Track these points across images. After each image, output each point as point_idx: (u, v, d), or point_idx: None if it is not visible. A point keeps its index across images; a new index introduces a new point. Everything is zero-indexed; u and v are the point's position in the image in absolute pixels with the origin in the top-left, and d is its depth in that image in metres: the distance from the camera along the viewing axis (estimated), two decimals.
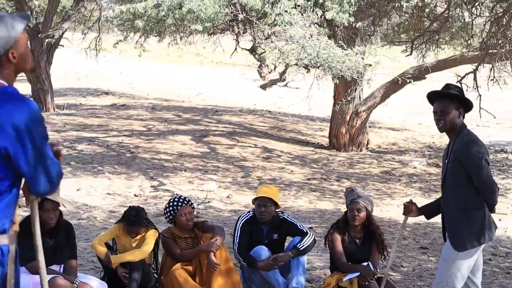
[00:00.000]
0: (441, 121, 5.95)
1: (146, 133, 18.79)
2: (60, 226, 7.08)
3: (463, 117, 6.02)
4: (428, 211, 6.52)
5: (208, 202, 12.16)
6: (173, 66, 39.70)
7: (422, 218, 6.98)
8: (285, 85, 19.60)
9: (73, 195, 12.08)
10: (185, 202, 7.68)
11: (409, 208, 6.45)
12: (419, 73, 16.66)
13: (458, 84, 13.24)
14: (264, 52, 12.95)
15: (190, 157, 15.90)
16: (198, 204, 11.91)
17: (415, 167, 16.14)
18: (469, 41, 15.94)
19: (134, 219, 7.45)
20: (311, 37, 12.03)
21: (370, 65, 14.38)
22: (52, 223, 6.91)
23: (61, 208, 7.06)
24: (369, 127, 20.07)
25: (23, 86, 25.21)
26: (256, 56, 16.30)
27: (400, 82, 16.31)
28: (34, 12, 23.42)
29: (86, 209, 11.25)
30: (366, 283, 7.24)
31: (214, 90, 30.05)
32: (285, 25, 11.99)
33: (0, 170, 3.76)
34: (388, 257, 8.14)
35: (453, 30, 15.90)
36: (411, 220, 11.34)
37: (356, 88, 16.66)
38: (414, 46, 16.12)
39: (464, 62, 16.77)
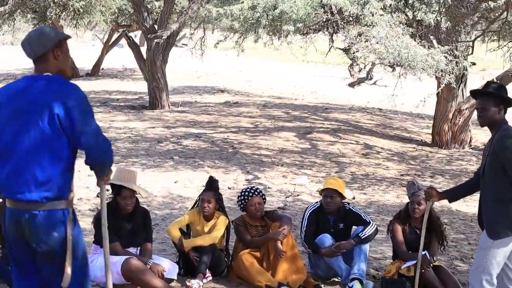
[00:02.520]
0: (481, 117, 6.32)
1: (252, 129, 19.45)
2: (137, 212, 7.74)
3: (505, 113, 6.35)
4: (451, 195, 6.92)
5: (298, 195, 12.66)
6: (292, 65, 40.34)
7: None
8: (374, 83, 19.90)
9: (170, 187, 12.83)
10: (256, 193, 8.26)
11: (430, 194, 6.83)
12: None
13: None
14: (357, 51, 13.34)
15: (290, 153, 16.44)
16: (287, 197, 12.47)
17: None
18: None
19: (207, 185, 8.31)
20: (394, 37, 12.40)
21: (469, 65, 14.56)
22: (129, 209, 7.58)
23: (138, 195, 7.71)
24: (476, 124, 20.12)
25: (140, 85, 26.40)
26: (349, 55, 16.72)
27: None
28: (153, 13, 24.36)
29: (180, 200, 11.93)
30: (423, 270, 7.61)
31: (329, 88, 30.46)
32: (369, 26, 12.40)
33: (58, 139, 4.71)
34: (447, 247, 8.52)
35: None
36: None
37: (458, 86, 16.86)
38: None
39: None
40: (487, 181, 6.28)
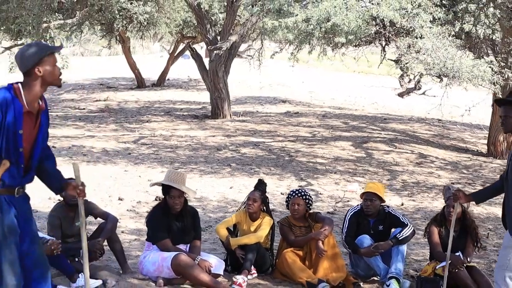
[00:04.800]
0: (503, 124, 6.72)
1: (310, 138, 19.95)
2: (186, 211, 8.31)
3: None
4: (478, 197, 7.28)
5: (348, 201, 13.10)
6: (355, 76, 40.71)
7: None
8: (423, 93, 20.25)
9: (225, 192, 13.40)
10: (299, 194, 8.79)
11: (457, 195, 7.21)
12: None
13: None
14: (407, 62, 13.76)
15: (344, 161, 16.88)
16: (337, 202, 12.93)
17: None
18: None
19: (255, 186, 8.96)
20: (441, 48, 12.79)
21: None
22: (177, 208, 8.15)
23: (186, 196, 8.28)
24: None
25: (204, 95, 27.05)
26: (399, 65, 17.12)
27: None
28: (217, 25, 24.96)
29: (234, 204, 12.47)
30: (456, 270, 8.03)
31: (389, 99, 30.74)
32: (418, 38, 12.84)
33: None
34: (482, 249, 8.88)
35: None
36: None
37: None
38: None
39: None
40: (510, 184, 6.66)
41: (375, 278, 8.71)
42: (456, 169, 16.76)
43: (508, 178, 6.70)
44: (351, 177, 15.21)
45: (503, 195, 6.89)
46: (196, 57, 23.95)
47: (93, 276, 7.91)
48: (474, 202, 7.48)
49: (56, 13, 21.54)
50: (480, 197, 7.34)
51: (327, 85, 35.67)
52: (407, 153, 18.32)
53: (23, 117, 5.47)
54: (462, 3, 13.96)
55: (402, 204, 12.99)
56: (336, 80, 38.32)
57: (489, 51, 17.00)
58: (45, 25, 20.52)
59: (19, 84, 5.51)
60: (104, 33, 28.39)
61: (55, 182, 5.98)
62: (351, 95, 32.64)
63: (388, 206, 9.10)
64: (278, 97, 30.28)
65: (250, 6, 15.97)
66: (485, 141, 20.05)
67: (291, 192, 8.89)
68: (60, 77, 5.65)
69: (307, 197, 8.86)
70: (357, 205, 9.00)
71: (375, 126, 22.55)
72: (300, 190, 8.94)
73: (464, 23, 13.57)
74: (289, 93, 32.06)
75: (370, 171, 15.94)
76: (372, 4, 13.50)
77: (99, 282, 7.85)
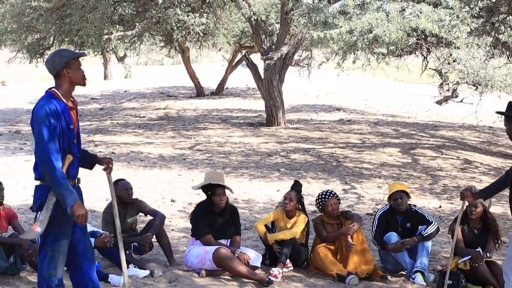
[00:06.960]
0: (506, 131, 7.36)
1: (359, 145, 20.61)
2: (227, 209, 9.12)
3: None
4: (485, 194, 7.94)
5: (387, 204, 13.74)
6: (406, 84, 41.16)
7: None
8: (461, 101, 20.74)
9: (272, 194, 14.16)
10: (332, 195, 9.52)
11: (465, 194, 7.88)
12: None
13: None
14: (446, 72, 14.40)
15: (390, 167, 17.50)
16: (377, 204, 13.61)
17: None
18: None
19: (291, 187, 9.69)
20: (475, 58, 13.42)
21: None
22: (222, 204, 8.98)
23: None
24: None
25: (261, 103, 27.84)
26: (441, 75, 17.70)
27: None
28: (273, 35, 25.68)
29: None
30: (476, 264, 8.70)
31: (443, 107, 31.15)
32: (455, 48, 13.49)
33: None
34: (502, 245, 9.50)
35: None
36: None
37: None
38: None
39: None
40: None
41: (403, 272, 9.38)
42: (499, 174, 17.20)
43: None
44: (394, 181, 15.79)
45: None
46: (252, 66, 24.77)
47: (142, 267, 8.81)
48: (485, 200, 8.11)
49: (117, 25, 22.54)
50: (487, 193, 8.01)
51: (383, 93, 36.23)
52: (453, 159, 18.83)
53: (69, 113, 6.32)
54: (500, 15, 14.55)
55: (440, 207, 13.58)
56: (391, 88, 38.81)
57: None
58: (106, 36, 21.56)
59: (53, 88, 6.34)
60: (164, 44, 29.46)
61: (87, 161, 6.77)
62: (406, 102, 33.13)
63: (415, 205, 9.78)
64: (333, 105, 30.98)
65: (299, 18, 16.72)
66: None
67: (323, 195, 9.57)
68: (85, 78, 6.46)
69: (337, 195, 9.62)
70: (386, 205, 9.70)
71: (425, 133, 23.08)
72: (331, 191, 9.66)
73: (501, 33, 14.17)
74: (344, 101, 32.72)
75: (414, 175, 16.53)
76: (412, 16, 14.17)
77: (147, 272, 8.71)
